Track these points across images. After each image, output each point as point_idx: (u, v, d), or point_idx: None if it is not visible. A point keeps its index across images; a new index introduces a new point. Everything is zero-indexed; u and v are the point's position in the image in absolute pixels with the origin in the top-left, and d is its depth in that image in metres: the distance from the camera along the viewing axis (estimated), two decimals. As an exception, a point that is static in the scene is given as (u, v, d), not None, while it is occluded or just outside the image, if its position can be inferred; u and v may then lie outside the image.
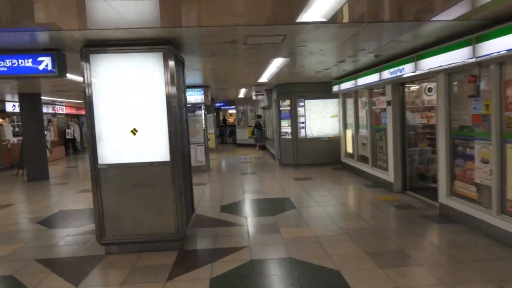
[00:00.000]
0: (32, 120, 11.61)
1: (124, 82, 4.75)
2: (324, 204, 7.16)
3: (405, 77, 6.65)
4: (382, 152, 8.55)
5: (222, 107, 28.59)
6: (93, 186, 4.79)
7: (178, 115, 4.92)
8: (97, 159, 4.75)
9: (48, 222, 6.65)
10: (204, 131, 11.71)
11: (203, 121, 11.71)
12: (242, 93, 16.37)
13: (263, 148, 18.32)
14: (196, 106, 11.61)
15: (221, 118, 28.06)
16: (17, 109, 15.08)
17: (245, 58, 6.66)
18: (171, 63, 4.72)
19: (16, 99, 13.97)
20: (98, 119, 4.74)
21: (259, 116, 18.38)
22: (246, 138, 20.39)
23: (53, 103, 18.01)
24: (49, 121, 18.94)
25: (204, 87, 11.65)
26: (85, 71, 4.67)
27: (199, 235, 5.54)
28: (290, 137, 12.33)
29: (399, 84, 7.60)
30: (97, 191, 4.78)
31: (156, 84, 4.76)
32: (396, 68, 6.80)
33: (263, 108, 17.95)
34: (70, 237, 5.70)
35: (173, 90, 4.75)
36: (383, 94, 8.42)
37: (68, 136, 20.21)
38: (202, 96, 11.55)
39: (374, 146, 8.96)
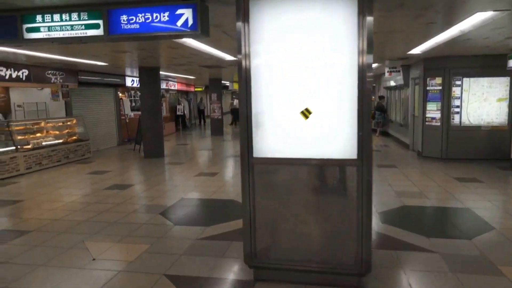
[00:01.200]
0: (150, 95, 11.13)
1: (296, 44, 3.22)
2: (535, 225, 4.99)
3: None
4: None
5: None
6: (243, 185, 3.43)
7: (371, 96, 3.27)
8: (251, 149, 3.36)
9: (171, 215, 5.66)
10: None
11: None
12: (367, 70, 14.13)
13: (383, 133, 15.98)
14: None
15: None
16: (135, 84, 15.09)
17: (437, 13, 4.71)
18: (369, 18, 3.05)
19: (135, 74, 13.83)
20: (256, 97, 3.32)
21: (382, 97, 15.99)
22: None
23: (166, 79, 17.93)
24: (162, 96, 19.02)
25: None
26: (242, 34, 3.24)
27: (374, 261, 3.91)
28: (438, 123, 9.94)
29: None
30: (248, 193, 3.42)
31: (343, 48, 3.14)
32: None
33: (387, 88, 15.50)
34: (201, 242, 4.55)
35: (369, 58, 3.10)
36: None
37: (178, 112, 20.21)
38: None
39: None
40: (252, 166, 3.38)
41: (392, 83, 13.84)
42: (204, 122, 24.40)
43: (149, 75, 11.01)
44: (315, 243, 3.38)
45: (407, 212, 5.58)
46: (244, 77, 3.30)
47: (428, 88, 10.09)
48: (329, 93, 3.21)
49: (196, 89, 25.65)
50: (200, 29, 3.75)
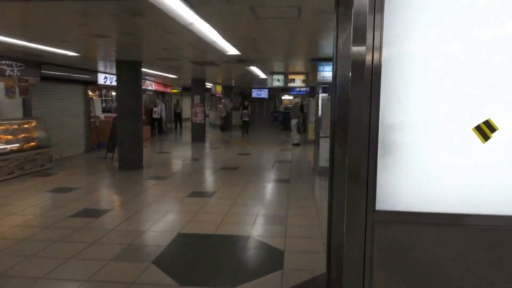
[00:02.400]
0: (130, 94, 9.31)
1: (468, 13, 1.69)
2: None
3: None
4: None
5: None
6: (349, 260, 1.83)
7: None
8: (374, 195, 1.77)
9: (170, 265, 3.95)
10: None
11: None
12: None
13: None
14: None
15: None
16: (108, 82, 13.13)
17: None
18: None
19: (109, 70, 11.92)
20: (386, 104, 1.74)
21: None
22: None
23: (143, 77, 15.99)
24: (138, 97, 17.05)
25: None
26: (370, 10, 1.67)
27: None
28: None
29: None
30: (362, 279, 1.82)
31: None
32: None
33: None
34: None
35: None
36: None
37: (154, 116, 18.24)
38: None
39: None
40: (373, 226, 1.79)
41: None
42: (181, 126, 22.49)
43: (129, 71, 9.19)
44: None
45: None
46: (368, 77, 1.71)
47: None
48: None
49: (172, 90, 23.73)
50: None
